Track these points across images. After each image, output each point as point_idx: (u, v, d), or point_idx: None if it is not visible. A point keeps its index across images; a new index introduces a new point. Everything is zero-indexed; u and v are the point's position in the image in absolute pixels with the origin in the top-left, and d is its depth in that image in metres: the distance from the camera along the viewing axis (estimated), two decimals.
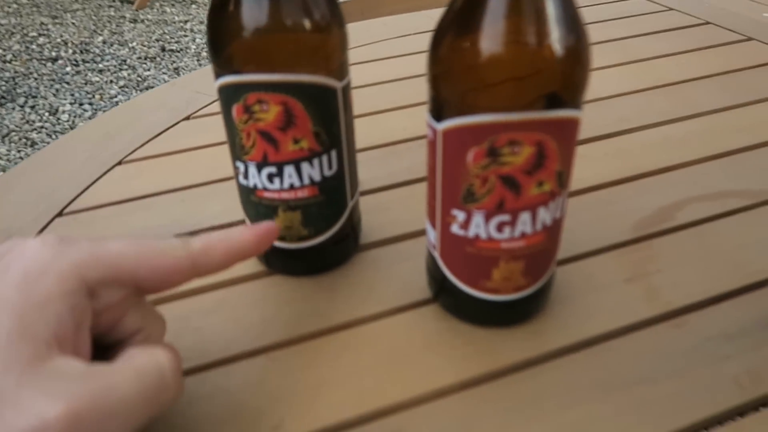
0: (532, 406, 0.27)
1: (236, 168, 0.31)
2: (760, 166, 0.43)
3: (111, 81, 2.13)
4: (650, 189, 0.41)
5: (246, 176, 0.31)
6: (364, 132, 0.47)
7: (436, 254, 0.30)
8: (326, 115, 0.29)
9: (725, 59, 0.58)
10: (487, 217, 0.27)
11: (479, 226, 0.27)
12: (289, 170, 0.30)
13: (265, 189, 0.31)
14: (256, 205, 0.32)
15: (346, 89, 0.30)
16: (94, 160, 0.46)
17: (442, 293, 0.32)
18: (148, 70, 2.20)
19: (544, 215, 0.27)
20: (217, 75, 0.29)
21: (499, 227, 0.27)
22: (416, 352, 0.30)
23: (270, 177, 0.30)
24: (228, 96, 0.29)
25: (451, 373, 0.29)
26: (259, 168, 0.30)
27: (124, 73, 2.18)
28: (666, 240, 0.37)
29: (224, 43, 0.28)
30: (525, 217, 0.27)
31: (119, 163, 0.46)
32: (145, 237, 0.24)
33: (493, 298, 0.29)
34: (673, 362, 0.29)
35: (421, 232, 0.38)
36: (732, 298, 0.33)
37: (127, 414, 0.20)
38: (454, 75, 0.25)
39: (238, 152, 0.30)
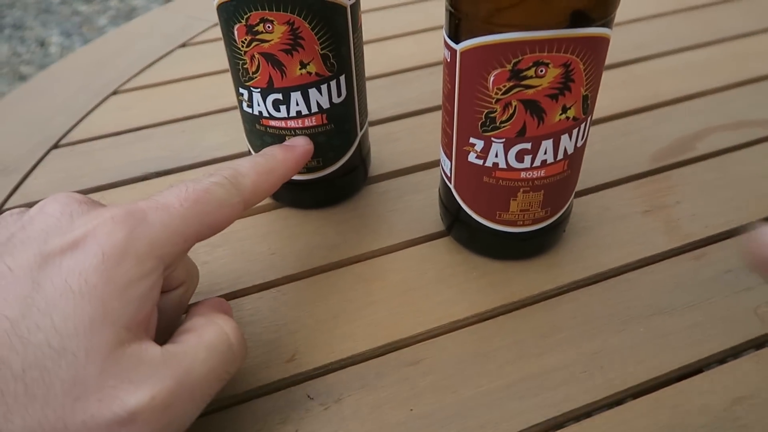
0: (548, 338, 0.27)
1: (239, 95, 0.30)
2: None
3: (99, 11, 2.05)
4: (669, 118, 0.40)
5: (250, 104, 0.29)
6: (369, 59, 0.45)
7: (451, 185, 0.29)
8: (335, 36, 0.27)
9: None
10: (507, 146, 0.25)
11: (498, 155, 0.26)
12: (296, 97, 0.28)
13: (271, 117, 0.29)
14: (261, 135, 0.30)
15: (355, 7, 0.28)
16: (88, 89, 0.44)
17: (456, 226, 0.31)
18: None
19: (567, 143, 0.26)
20: None
21: (519, 156, 0.26)
22: (430, 284, 0.30)
23: (276, 104, 0.29)
24: (229, 15, 0.27)
25: (465, 305, 0.29)
26: (264, 95, 0.28)
27: (113, 3, 2.09)
28: (685, 171, 0.36)
29: None
30: (547, 144, 0.25)
31: (114, 92, 0.44)
32: (193, 182, 0.22)
33: (509, 230, 0.29)
34: (692, 294, 0.29)
35: (432, 164, 0.36)
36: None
37: (203, 393, 0.20)
38: None
39: (241, 78, 0.29)
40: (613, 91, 0.42)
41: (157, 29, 0.52)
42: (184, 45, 0.49)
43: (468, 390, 0.25)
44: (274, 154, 0.26)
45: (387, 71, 0.45)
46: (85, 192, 0.36)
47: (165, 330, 0.23)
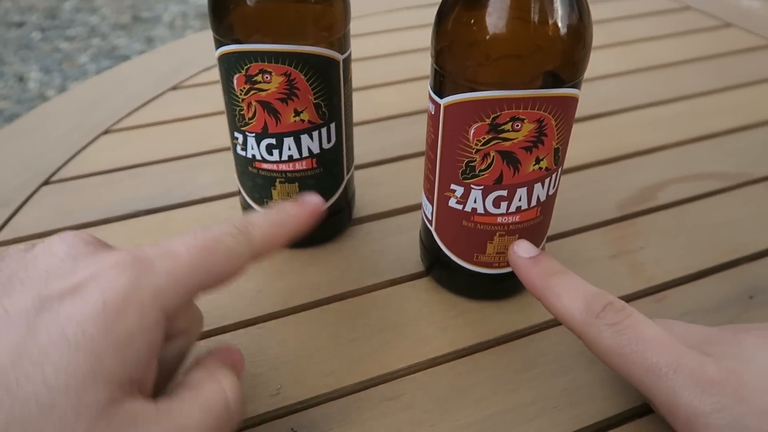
0: (521, 374, 0.29)
1: (234, 138, 0.31)
2: (738, 149, 0.45)
3: (81, 49, 2.07)
4: (634, 169, 0.43)
5: (244, 147, 0.31)
6: (355, 107, 0.47)
7: (432, 228, 0.31)
8: (327, 87, 0.29)
9: (707, 44, 0.60)
10: (485, 193, 0.27)
11: (477, 201, 0.28)
12: (288, 142, 0.30)
13: (264, 160, 0.31)
14: (253, 176, 0.32)
15: (347, 61, 0.31)
16: (80, 128, 0.46)
17: (436, 267, 0.32)
18: (120, 38, 2.14)
19: (540, 191, 0.28)
20: (219, 44, 0.29)
21: (496, 202, 0.28)
22: (410, 323, 0.31)
23: (269, 148, 0.30)
24: (230, 65, 0.29)
25: (444, 342, 0.30)
26: (259, 139, 0.30)
27: (95, 41, 2.12)
28: (648, 219, 0.38)
29: (228, 11, 0.28)
30: (522, 192, 0.27)
31: (106, 131, 0.45)
32: (203, 229, 0.22)
33: (486, 271, 0.30)
34: None
35: (413, 207, 0.38)
36: (709, 275, 0.34)
37: None
38: (460, 50, 0.25)
39: (237, 123, 0.30)
40: (583, 143, 0.45)
41: (149, 72, 0.53)
42: (175, 88, 0.51)
43: (445, 423, 0.27)
44: (285, 208, 0.26)
45: (371, 118, 0.47)
46: (75, 228, 0.36)
47: (164, 379, 0.22)
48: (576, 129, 0.47)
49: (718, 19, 0.65)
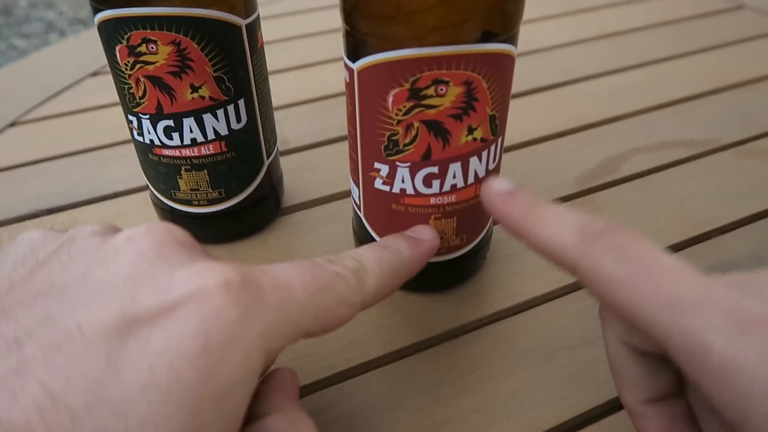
0: (466, 376, 0.25)
1: (129, 122, 0.27)
2: (705, 115, 0.42)
3: (37, 45, 1.99)
4: (594, 140, 0.39)
5: (141, 132, 0.27)
6: (293, 86, 0.43)
7: (361, 214, 0.27)
8: (229, 58, 0.25)
9: (668, 8, 0.57)
10: (413, 170, 0.24)
11: (405, 181, 0.24)
12: (189, 123, 0.26)
13: (164, 146, 0.27)
14: (155, 165, 0.28)
15: (253, 27, 0.26)
16: None
17: None
18: (78, 33, 2.07)
19: (477, 166, 0.24)
20: (96, 10, 0.24)
21: (427, 181, 0.24)
22: None
23: (167, 131, 0.26)
24: (109, 35, 0.24)
25: (378, 344, 0.26)
26: (154, 121, 0.26)
27: (52, 37, 2.04)
28: (610, 193, 0.35)
29: None
30: (455, 168, 0.24)
31: (12, 124, 0.41)
32: (314, 264, 0.19)
33: None
34: None
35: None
36: (679, 250, 0.31)
37: None
38: (368, 3, 0.21)
39: (128, 104, 0.26)
40: (538, 115, 0.42)
41: (69, 58, 0.49)
42: (95, 74, 0.47)
43: None
44: (399, 249, 0.22)
45: (309, 98, 0.43)
46: None
47: None
48: (531, 101, 0.44)
49: None
